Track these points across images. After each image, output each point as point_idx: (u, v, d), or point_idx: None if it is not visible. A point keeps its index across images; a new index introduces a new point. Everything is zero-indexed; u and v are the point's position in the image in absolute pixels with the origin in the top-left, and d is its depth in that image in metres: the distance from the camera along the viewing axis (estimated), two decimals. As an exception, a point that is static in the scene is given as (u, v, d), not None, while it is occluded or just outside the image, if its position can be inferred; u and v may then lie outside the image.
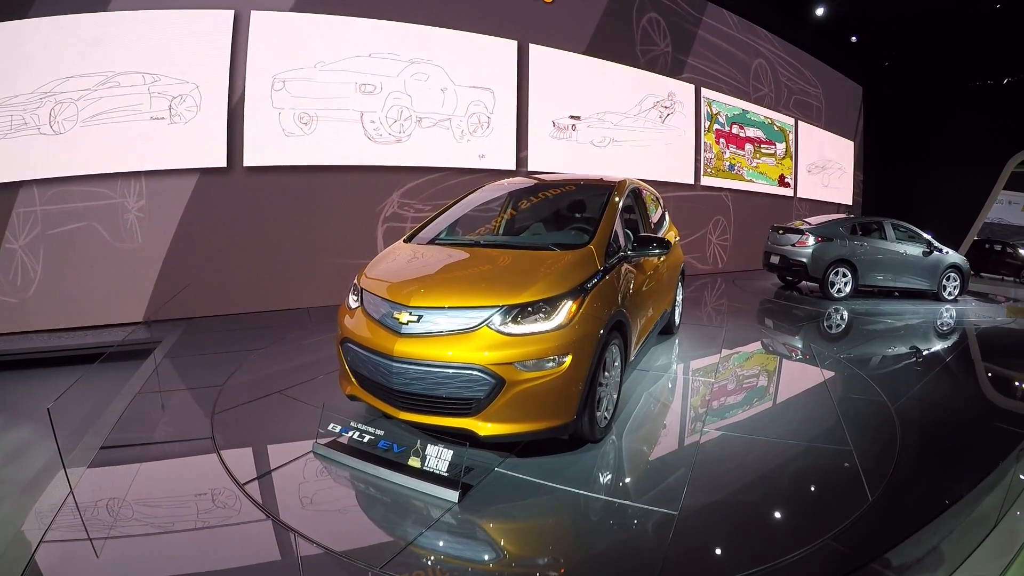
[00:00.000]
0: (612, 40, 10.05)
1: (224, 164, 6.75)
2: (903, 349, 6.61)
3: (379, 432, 3.25)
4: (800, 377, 5.43)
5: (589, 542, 2.64)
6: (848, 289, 9.56)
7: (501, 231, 4.91)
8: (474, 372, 2.94)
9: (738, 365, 5.71)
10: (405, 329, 3.09)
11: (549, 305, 3.12)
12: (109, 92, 6.18)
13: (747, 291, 10.44)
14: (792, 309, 8.75)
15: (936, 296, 10.07)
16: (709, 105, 11.90)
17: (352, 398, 3.51)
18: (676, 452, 3.56)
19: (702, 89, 11.71)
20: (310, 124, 7.15)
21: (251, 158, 6.88)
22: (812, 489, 3.16)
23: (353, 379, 3.47)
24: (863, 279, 9.65)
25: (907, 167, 16.25)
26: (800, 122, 14.22)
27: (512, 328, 3.03)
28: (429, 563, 2.41)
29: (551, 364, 3.00)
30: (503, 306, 3.06)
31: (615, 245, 3.85)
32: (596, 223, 3.93)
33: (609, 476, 3.21)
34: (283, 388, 4.36)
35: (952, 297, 10.15)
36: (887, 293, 10.33)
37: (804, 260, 9.57)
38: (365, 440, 3.22)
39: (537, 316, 3.08)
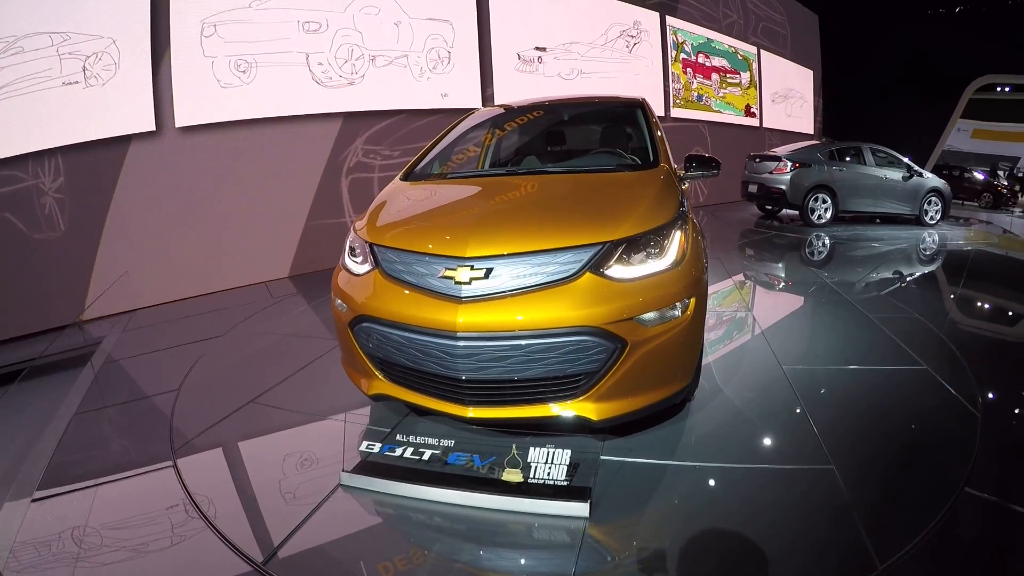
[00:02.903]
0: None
1: (152, 127, 5.68)
2: (904, 271, 6.52)
3: (446, 443, 2.38)
4: (829, 302, 5.08)
5: (773, 519, 2.05)
6: (828, 215, 9.41)
7: (501, 158, 4.09)
8: (586, 337, 2.14)
9: (763, 295, 5.61)
10: (468, 291, 2.21)
11: (659, 236, 2.37)
12: (11, 61, 5.04)
13: (729, 223, 10.16)
14: (775, 238, 8.61)
15: (918, 220, 9.91)
16: (675, 34, 11.36)
17: (378, 398, 2.59)
18: (775, 397, 3.02)
19: (667, 17, 11.11)
20: (248, 72, 6.11)
21: (184, 117, 5.82)
22: (929, 412, 2.92)
23: (378, 372, 2.54)
24: (843, 205, 9.49)
25: (866, 95, 16.14)
26: (762, 51, 13.84)
27: (622, 271, 2.26)
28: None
29: (675, 313, 2.27)
30: (606, 243, 2.26)
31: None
32: (643, 141, 3.26)
33: (731, 440, 2.59)
34: (255, 396, 3.31)
35: (934, 222, 10.00)
36: (867, 219, 10.12)
37: (783, 187, 9.38)
38: (425, 457, 2.32)
39: (648, 252, 2.33)
